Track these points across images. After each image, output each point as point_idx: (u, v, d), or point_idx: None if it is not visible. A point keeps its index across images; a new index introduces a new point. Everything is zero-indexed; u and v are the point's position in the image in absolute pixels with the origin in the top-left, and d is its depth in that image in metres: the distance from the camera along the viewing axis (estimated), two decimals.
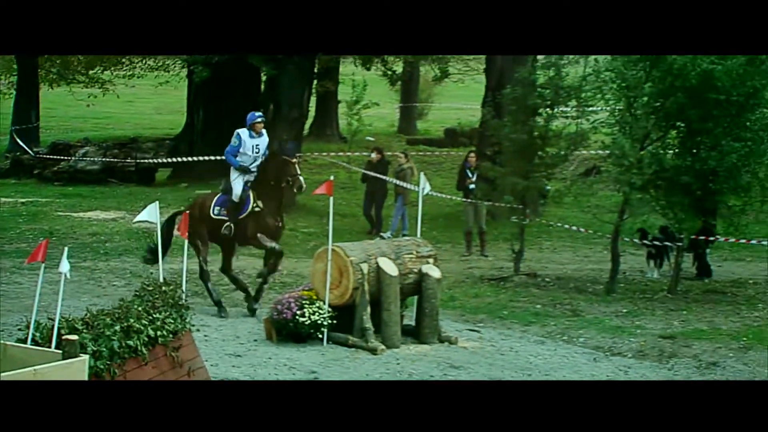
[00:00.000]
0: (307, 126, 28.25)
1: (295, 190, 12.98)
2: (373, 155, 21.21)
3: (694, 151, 15.23)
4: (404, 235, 18.27)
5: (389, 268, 11.79)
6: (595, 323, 13.68)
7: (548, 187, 17.63)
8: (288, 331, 11.57)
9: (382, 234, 19.44)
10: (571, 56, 17.50)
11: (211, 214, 13.35)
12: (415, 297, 12.34)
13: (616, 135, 15.69)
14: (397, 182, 20.24)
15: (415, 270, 12.16)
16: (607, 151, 16.59)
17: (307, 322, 11.44)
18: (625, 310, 14.53)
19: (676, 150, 15.70)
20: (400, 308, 11.93)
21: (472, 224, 19.06)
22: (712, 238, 16.25)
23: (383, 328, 11.67)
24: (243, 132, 13.24)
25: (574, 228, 19.39)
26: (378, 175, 20.55)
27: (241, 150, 13.19)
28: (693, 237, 15.77)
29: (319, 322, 11.47)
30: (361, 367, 10.75)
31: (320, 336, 11.54)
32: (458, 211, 19.83)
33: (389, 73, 32.13)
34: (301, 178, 12.83)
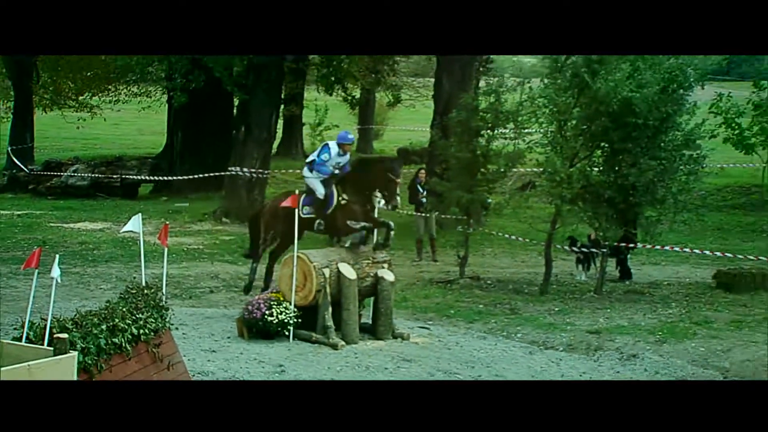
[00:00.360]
0: (274, 146, 28.17)
1: (388, 207, 12.08)
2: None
3: (617, 168, 15.39)
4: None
5: (348, 272, 11.80)
6: (531, 320, 13.76)
7: (489, 200, 17.70)
8: (258, 329, 11.52)
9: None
10: (509, 83, 17.60)
11: (301, 214, 12.41)
12: (372, 298, 12.35)
13: (549, 154, 15.82)
14: None
15: (372, 274, 12.19)
16: (541, 168, 16.70)
17: (275, 321, 11.41)
18: (557, 309, 14.62)
19: (601, 167, 15.82)
20: (358, 308, 11.93)
21: (423, 233, 19.11)
22: (632, 245, 16.43)
23: (343, 326, 11.66)
24: (333, 147, 12.42)
25: (512, 237, 19.51)
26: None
27: (327, 163, 12.44)
28: (616, 244, 15.95)
29: (286, 321, 11.45)
30: (323, 361, 10.74)
31: (287, 333, 11.52)
32: (410, 222, 19.88)
33: (349, 98, 32.16)
34: (398, 198, 12.14)
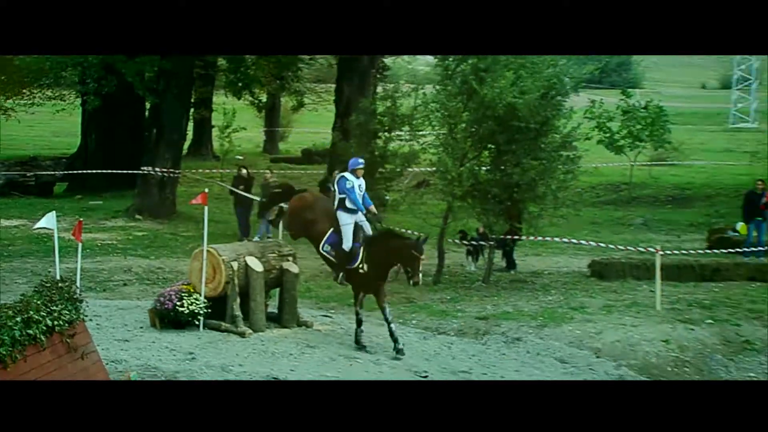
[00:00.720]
0: (185, 147, 27.68)
1: (411, 282, 11.32)
2: (243, 171, 20.49)
3: (502, 167, 15.64)
4: (269, 238, 18.10)
5: (255, 265, 11.71)
6: (425, 308, 13.90)
7: (387, 197, 17.80)
8: (169, 319, 11.34)
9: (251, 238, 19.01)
10: (404, 89, 17.67)
11: (321, 250, 11.65)
12: (278, 289, 12.28)
13: (441, 154, 15.97)
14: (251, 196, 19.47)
15: (278, 266, 12.12)
16: (434, 168, 16.86)
17: (185, 312, 11.25)
18: (448, 297, 14.80)
19: (488, 167, 16.07)
20: (264, 298, 11.86)
21: None
22: (517, 238, 16.73)
23: (251, 315, 11.57)
24: (347, 175, 11.52)
25: (408, 231, 19.60)
26: (244, 194, 19.62)
27: (353, 188, 11.44)
28: (502, 237, 16.23)
29: (196, 311, 11.29)
30: (232, 349, 10.63)
31: (197, 323, 11.36)
32: None
33: (256, 102, 31.84)
34: (420, 275, 11.28)
